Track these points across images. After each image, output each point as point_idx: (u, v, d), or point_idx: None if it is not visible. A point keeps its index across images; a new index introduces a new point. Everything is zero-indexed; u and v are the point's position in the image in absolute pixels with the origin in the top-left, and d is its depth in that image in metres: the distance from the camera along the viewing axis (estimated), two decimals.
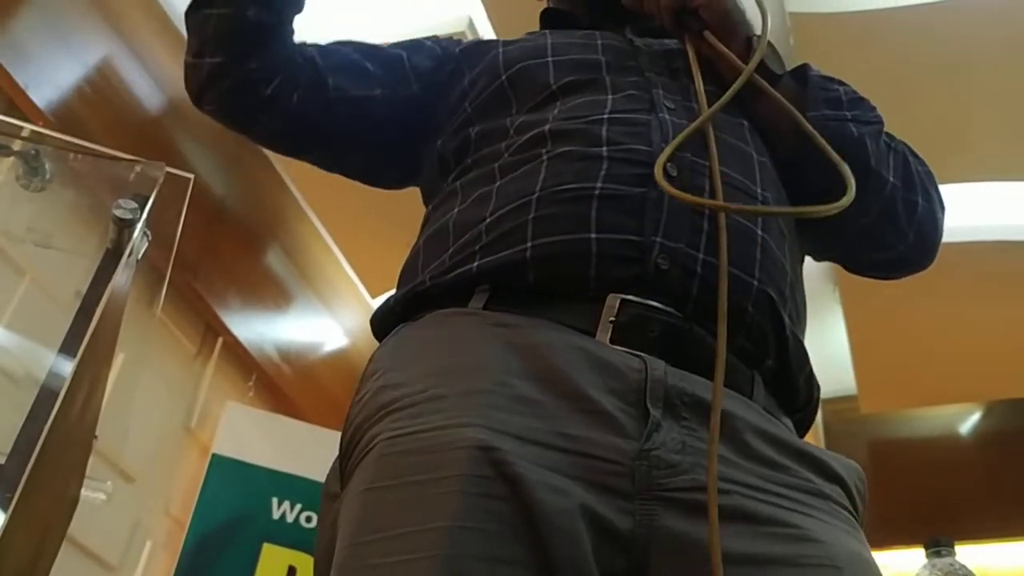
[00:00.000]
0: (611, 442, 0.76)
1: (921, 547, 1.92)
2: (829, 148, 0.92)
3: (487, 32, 2.89)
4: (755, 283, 0.89)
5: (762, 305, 0.89)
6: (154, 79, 2.81)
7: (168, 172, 1.24)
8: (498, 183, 0.95)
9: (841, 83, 1.09)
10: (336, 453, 0.88)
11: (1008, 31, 2.75)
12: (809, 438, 0.95)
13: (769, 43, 1.05)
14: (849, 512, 0.84)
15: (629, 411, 0.78)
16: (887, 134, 1.07)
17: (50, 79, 2.45)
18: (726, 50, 1.03)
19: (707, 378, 0.82)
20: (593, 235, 0.86)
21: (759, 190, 0.96)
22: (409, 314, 0.93)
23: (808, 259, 1.12)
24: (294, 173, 3.43)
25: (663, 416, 0.78)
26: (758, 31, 1.08)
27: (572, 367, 0.79)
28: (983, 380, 4.09)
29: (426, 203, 1.14)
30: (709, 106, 0.97)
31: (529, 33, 1.21)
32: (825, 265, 3.68)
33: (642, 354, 0.82)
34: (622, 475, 0.75)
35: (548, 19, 1.25)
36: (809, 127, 0.95)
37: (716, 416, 0.78)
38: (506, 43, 1.15)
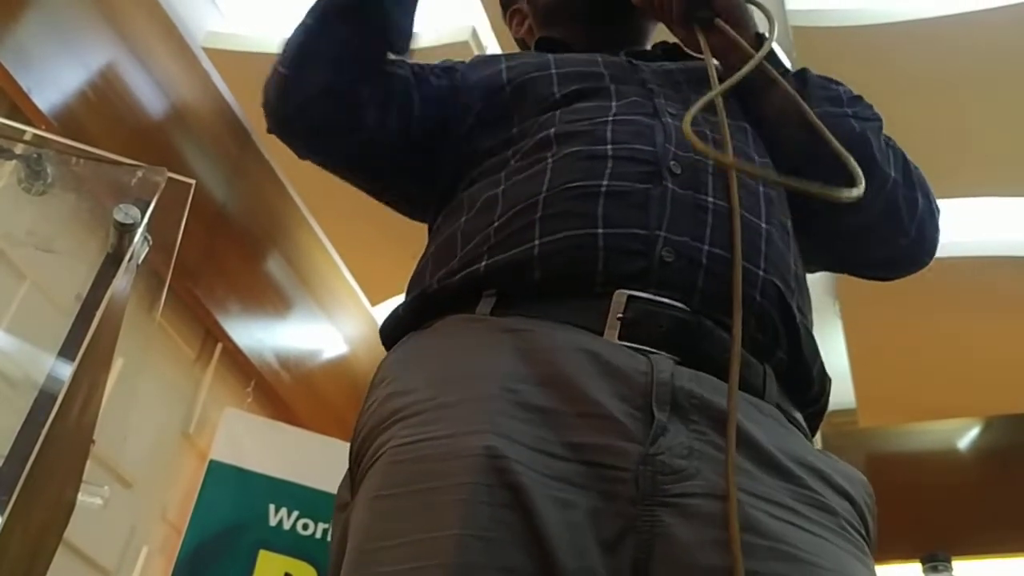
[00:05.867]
0: (617, 447, 0.75)
1: (918, 562, 1.92)
2: (835, 141, 0.92)
3: (490, 41, 2.89)
4: (761, 273, 0.89)
5: (769, 294, 0.89)
6: (157, 84, 2.81)
7: (169, 177, 1.25)
8: (503, 187, 0.96)
9: (839, 83, 1.10)
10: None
11: (1011, 45, 2.75)
12: None
13: (773, 50, 1.07)
14: (859, 532, 0.82)
15: (636, 415, 0.78)
16: (884, 135, 1.07)
17: (53, 83, 2.45)
18: (737, 36, 1.06)
19: (718, 375, 0.82)
20: (600, 230, 0.87)
21: (760, 187, 0.96)
22: (418, 321, 0.94)
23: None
24: (295, 180, 3.43)
25: (670, 419, 0.78)
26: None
27: (580, 371, 0.79)
28: (982, 395, 4.08)
29: (427, 218, 1.13)
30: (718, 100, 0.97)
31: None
32: (826, 279, 3.69)
33: (650, 352, 0.82)
34: (626, 481, 0.74)
35: (543, 47, 1.26)
36: (815, 119, 0.96)
37: (732, 423, 0.78)
38: (509, 57, 1.16)
